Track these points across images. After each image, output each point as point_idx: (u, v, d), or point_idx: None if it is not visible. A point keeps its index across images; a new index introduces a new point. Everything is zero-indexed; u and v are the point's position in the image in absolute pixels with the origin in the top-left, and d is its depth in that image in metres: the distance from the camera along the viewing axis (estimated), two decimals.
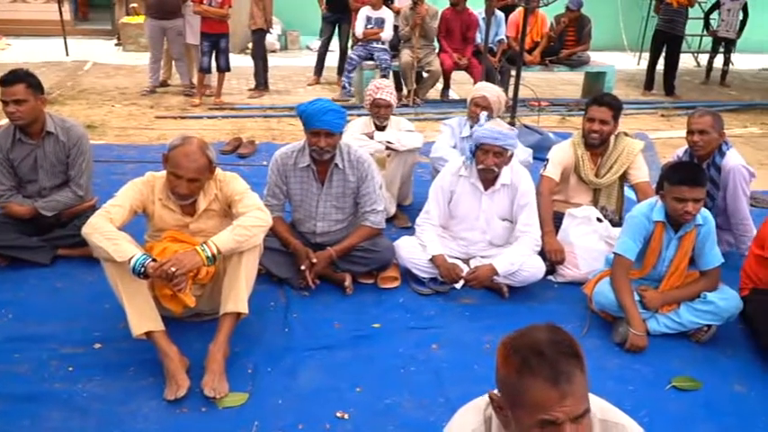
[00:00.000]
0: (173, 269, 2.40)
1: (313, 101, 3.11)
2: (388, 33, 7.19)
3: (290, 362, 2.67)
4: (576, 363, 1.28)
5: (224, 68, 7.25)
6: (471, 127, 3.83)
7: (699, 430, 2.39)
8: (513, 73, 6.58)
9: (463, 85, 8.42)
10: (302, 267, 3.13)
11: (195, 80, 7.59)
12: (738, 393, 2.62)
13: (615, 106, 3.47)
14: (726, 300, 2.89)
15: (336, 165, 3.19)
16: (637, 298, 2.92)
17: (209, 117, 6.84)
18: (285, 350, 2.75)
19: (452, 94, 8.04)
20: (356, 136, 3.91)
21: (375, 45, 7.27)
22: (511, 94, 6.52)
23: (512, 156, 3.23)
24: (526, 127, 6.10)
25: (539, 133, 5.88)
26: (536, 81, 8.98)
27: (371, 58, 7.33)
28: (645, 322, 2.90)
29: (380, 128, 4.04)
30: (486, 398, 1.46)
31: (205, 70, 7.21)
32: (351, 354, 2.76)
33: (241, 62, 9.36)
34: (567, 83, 9.21)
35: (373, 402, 2.45)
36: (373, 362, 2.71)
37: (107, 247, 2.42)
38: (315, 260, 3.15)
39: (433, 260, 3.28)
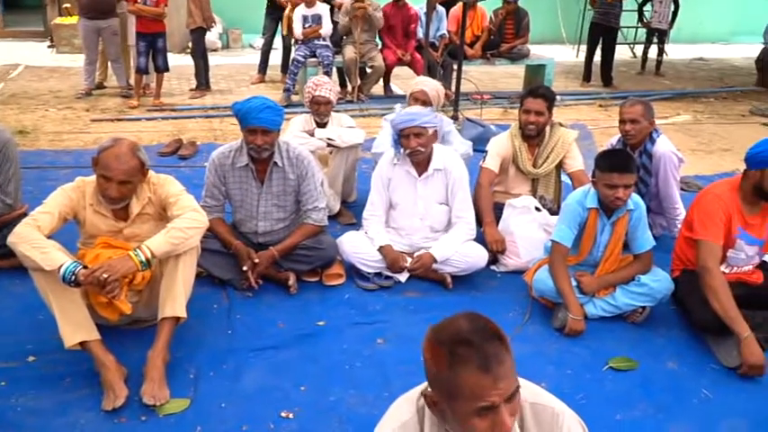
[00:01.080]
0: (104, 276, 2.33)
1: (249, 98, 3.06)
2: (327, 28, 7.15)
3: (234, 364, 2.64)
4: (500, 344, 1.29)
5: (162, 69, 7.07)
6: None
7: (635, 408, 2.48)
8: (456, 67, 6.66)
9: (406, 80, 8.44)
10: (244, 268, 3.10)
11: (133, 81, 7.39)
12: (672, 370, 2.72)
13: (549, 97, 3.55)
14: (658, 281, 3.00)
15: (276, 163, 3.16)
16: (574, 283, 3.01)
17: (147, 119, 6.67)
18: (228, 353, 2.72)
19: (395, 89, 8.07)
20: (296, 134, 3.88)
21: (317, 42, 7.22)
22: (454, 88, 6.63)
23: (436, 133, 3.27)
24: (469, 120, 6.18)
25: (481, 126, 5.96)
26: (478, 75, 9.10)
27: (315, 56, 7.29)
28: (583, 307, 2.98)
29: (321, 125, 4.02)
30: (418, 389, 1.47)
31: (142, 71, 7.03)
32: (295, 353, 2.74)
33: (181, 62, 9.17)
34: (509, 76, 9.36)
35: (318, 400, 2.45)
36: (318, 360, 2.70)
37: (34, 256, 2.34)
38: (257, 260, 3.11)
39: (380, 250, 3.29)
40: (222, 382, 2.53)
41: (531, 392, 1.46)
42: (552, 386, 2.58)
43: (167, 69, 7.14)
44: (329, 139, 3.87)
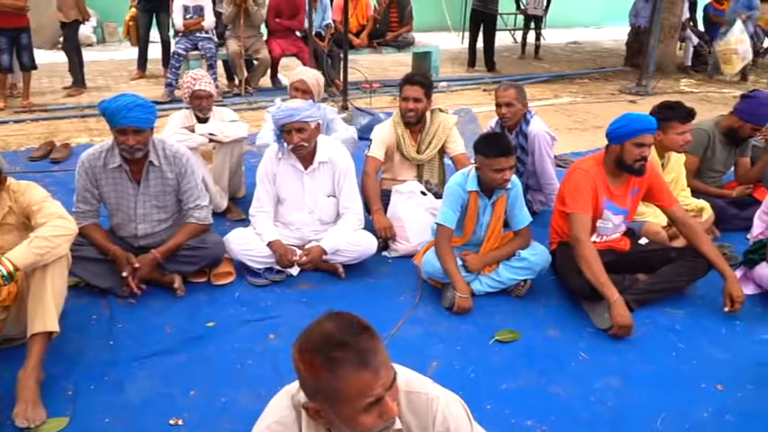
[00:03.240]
0: None
1: (116, 96, 2.91)
2: (209, 21, 6.93)
3: (116, 376, 2.52)
4: (370, 335, 1.29)
5: (29, 67, 6.56)
6: None
7: (520, 376, 2.60)
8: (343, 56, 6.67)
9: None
10: (124, 274, 2.95)
11: None
12: (552, 337, 2.89)
13: (426, 84, 3.62)
14: (537, 255, 3.16)
15: (152, 162, 3.03)
16: (460, 263, 3.11)
17: (15, 121, 6.18)
18: (110, 364, 2.59)
19: (284, 80, 7.96)
20: (176, 130, 3.74)
21: (199, 35, 6.98)
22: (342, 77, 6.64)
23: (318, 126, 3.25)
24: (358, 109, 6.23)
25: (370, 114, 6.02)
26: (367, 63, 9.19)
27: (197, 49, 7.04)
28: (469, 285, 3.09)
29: (203, 120, 3.89)
30: (295, 384, 1.45)
31: (6, 69, 6.49)
32: (183, 357, 2.66)
33: (53, 59, 8.57)
34: (398, 64, 9.49)
35: (209, 403, 2.39)
36: (208, 362, 2.63)
37: None
38: (137, 265, 2.98)
39: (270, 246, 3.25)
40: (104, 395, 2.41)
41: (404, 381, 1.45)
42: (443, 363, 2.67)
43: (34, 67, 6.64)
44: (211, 134, 3.76)
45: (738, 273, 3.27)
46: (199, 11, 6.94)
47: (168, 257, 3.07)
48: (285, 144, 3.23)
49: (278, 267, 3.29)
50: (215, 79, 6.95)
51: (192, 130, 3.77)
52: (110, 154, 3.01)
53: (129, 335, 2.79)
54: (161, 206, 3.13)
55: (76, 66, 7.34)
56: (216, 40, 7.15)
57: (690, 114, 3.47)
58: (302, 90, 3.83)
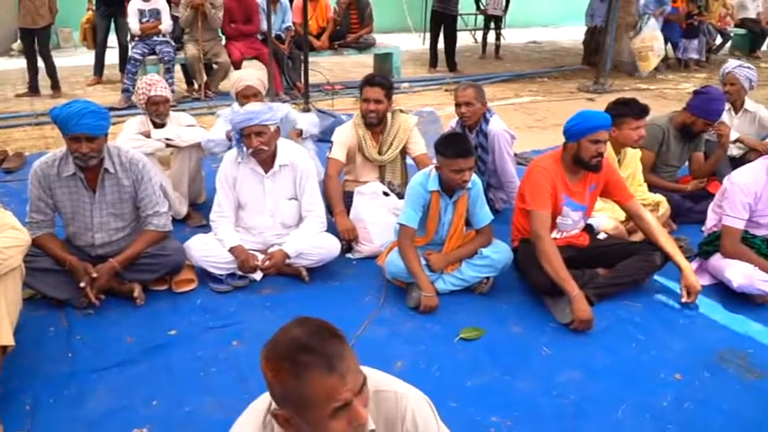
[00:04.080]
0: None
1: (69, 103, 2.85)
2: (166, 24, 6.82)
3: (76, 389, 2.46)
4: (338, 340, 1.29)
5: None
6: None
7: (484, 373, 2.63)
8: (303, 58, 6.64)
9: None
10: (82, 284, 2.88)
11: None
12: (516, 334, 2.92)
13: (386, 85, 3.63)
14: (499, 252, 3.20)
15: (107, 170, 2.96)
16: (423, 262, 3.13)
17: None
18: (69, 377, 2.53)
19: None
20: (131, 136, 3.67)
21: (156, 38, 6.87)
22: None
23: (278, 130, 3.24)
24: (320, 111, 6.20)
25: (332, 116, 6.00)
26: (329, 65, 9.17)
27: (154, 53, 6.93)
28: (433, 284, 3.11)
29: (160, 125, 3.83)
30: (267, 397, 1.42)
31: None
32: (145, 367, 2.61)
33: (4, 66, 8.33)
34: (360, 65, 9.49)
35: (172, 413, 2.35)
36: (170, 371, 2.59)
37: None
38: (95, 275, 2.91)
39: (231, 252, 3.21)
40: (64, 409, 2.35)
41: (373, 381, 1.45)
42: (408, 363, 2.68)
43: None
44: (167, 139, 3.70)
45: (694, 264, 3.37)
46: (155, 14, 6.83)
47: (127, 266, 3.01)
48: (245, 148, 3.20)
49: (240, 273, 3.26)
50: (173, 84, 6.86)
51: (148, 136, 3.70)
52: (63, 162, 2.94)
53: (89, 346, 2.73)
54: (118, 214, 3.07)
55: (53, 69, 7.24)
56: (174, 44, 7.05)
57: (643, 111, 3.56)
58: (251, 95, 3.76)
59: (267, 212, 3.34)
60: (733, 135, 4.42)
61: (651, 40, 8.89)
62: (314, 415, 1.26)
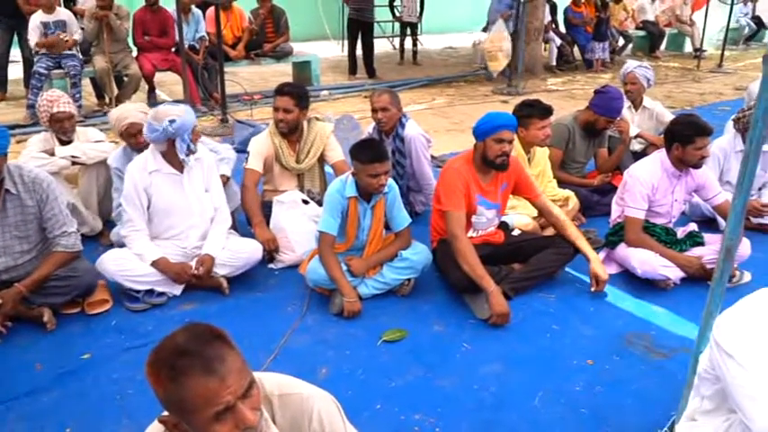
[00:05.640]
0: None
1: None
2: (77, 35, 6.55)
3: None
4: (221, 343, 1.28)
5: None
6: None
7: (408, 373, 2.67)
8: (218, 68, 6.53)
9: (172, 86, 8.14)
10: None
11: None
12: (438, 332, 2.99)
13: (297, 94, 3.61)
14: (418, 254, 3.26)
15: (8, 191, 2.82)
16: (345, 268, 3.15)
17: None
18: None
19: (163, 96, 7.69)
20: (34, 155, 3.51)
21: (62, 52, 6.58)
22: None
23: (193, 131, 3.23)
24: (239, 122, 6.14)
25: (251, 126, 5.95)
26: (248, 75, 9.07)
27: (60, 67, 6.63)
28: (355, 288, 3.13)
29: (66, 142, 3.68)
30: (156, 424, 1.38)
31: None
32: (57, 394, 2.50)
33: None
34: (279, 74, 9.41)
35: None
36: (84, 396, 2.49)
37: None
38: (0, 301, 2.76)
39: (155, 266, 3.13)
40: None
41: (277, 385, 1.46)
42: (333, 369, 2.69)
43: None
44: (73, 156, 3.56)
45: (602, 254, 3.55)
46: (61, 26, 6.54)
47: (35, 290, 2.87)
48: (159, 154, 3.15)
49: (159, 289, 3.17)
50: (80, 98, 6.59)
51: (52, 154, 3.55)
52: None
53: None
54: (23, 236, 2.92)
55: None
56: (81, 56, 6.78)
57: (547, 111, 3.73)
58: (137, 132, 3.48)
59: (194, 211, 3.28)
60: (634, 131, 4.70)
61: (500, 41, 9.06)
62: (197, 419, 1.25)
